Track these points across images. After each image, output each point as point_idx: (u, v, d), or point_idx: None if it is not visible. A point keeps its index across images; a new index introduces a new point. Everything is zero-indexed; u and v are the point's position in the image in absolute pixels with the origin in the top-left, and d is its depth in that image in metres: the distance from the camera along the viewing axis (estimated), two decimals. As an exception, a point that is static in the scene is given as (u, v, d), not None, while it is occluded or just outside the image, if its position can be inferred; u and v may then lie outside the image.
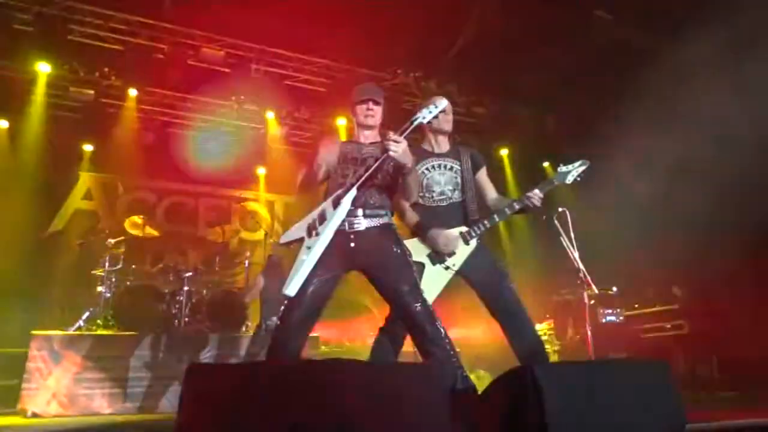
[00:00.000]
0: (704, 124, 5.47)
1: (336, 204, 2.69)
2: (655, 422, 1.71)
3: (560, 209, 3.94)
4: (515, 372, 1.70)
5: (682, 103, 5.80)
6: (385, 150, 2.56)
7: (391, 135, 2.57)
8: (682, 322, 5.59)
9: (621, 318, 6.47)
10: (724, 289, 5.57)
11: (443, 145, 3.29)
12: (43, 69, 6.21)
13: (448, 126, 3.26)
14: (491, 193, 3.34)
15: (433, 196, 3.18)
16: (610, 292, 6.67)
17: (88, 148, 7.39)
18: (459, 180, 3.22)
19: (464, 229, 3.10)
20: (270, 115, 7.29)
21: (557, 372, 1.72)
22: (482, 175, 3.36)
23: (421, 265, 3.05)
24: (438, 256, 3.05)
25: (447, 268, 3.04)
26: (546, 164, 8.21)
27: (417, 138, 3.40)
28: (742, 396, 4.52)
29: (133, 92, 6.74)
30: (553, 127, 7.08)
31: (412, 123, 2.67)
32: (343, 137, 3.15)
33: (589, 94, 6.03)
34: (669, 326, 5.68)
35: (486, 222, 3.11)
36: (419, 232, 3.08)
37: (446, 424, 1.58)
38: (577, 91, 6.00)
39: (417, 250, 3.07)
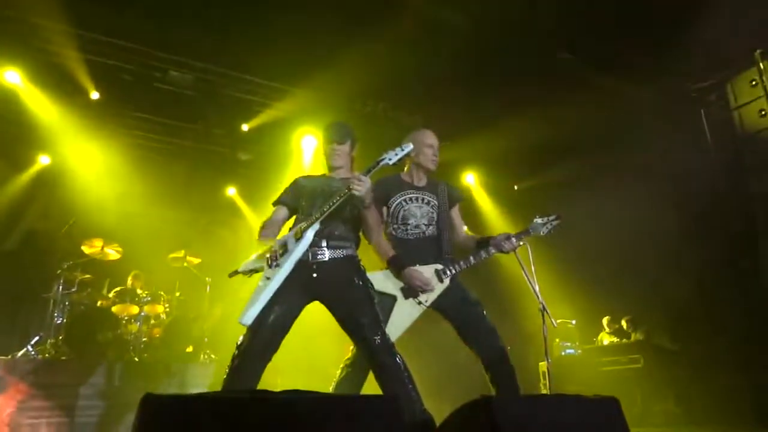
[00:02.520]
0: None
1: (298, 236, 2.71)
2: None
3: (521, 242, 4.03)
4: (472, 404, 1.71)
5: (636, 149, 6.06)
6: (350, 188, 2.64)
7: (357, 174, 2.66)
8: (639, 356, 5.70)
9: (579, 351, 6.58)
10: (679, 325, 5.74)
11: (423, 179, 3.38)
12: (11, 79, 6.09)
13: (433, 165, 3.37)
14: (461, 229, 3.45)
15: (407, 229, 3.23)
16: (569, 324, 6.79)
17: (44, 161, 7.19)
18: (435, 215, 3.28)
19: (439, 267, 3.15)
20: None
21: (512, 406, 1.74)
22: (455, 211, 3.46)
23: (393, 298, 3.08)
24: (411, 291, 3.08)
25: (419, 303, 3.07)
26: (516, 187, 8.37)
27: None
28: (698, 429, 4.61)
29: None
30: (519, 154, 7.26)
31: (377, 163, 2.74)
32: (317, 170, 3.26)
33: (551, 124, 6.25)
34: (625, 360, 5.78)
35: (462, 263, 3.18)
36: (394, 267, 3.11)
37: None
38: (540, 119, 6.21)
39: (389, 282, 3.10)
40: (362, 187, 2.62)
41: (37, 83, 6.23)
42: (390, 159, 2.73)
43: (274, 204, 3.07)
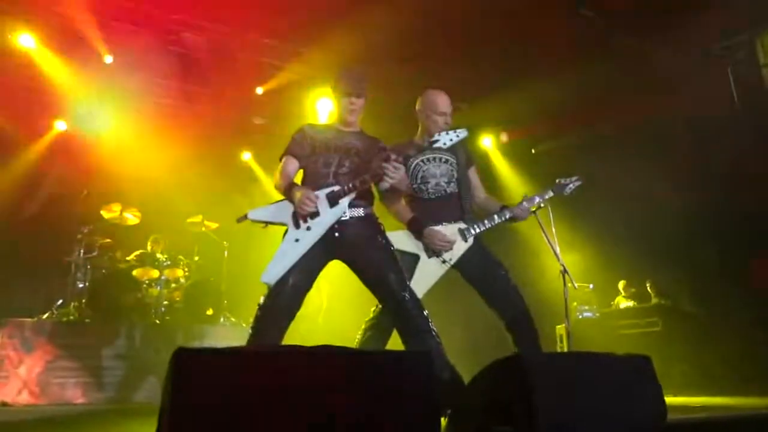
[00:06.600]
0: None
1: (333, 202, 2.68)
2: (638, 412, 1.74)
3: (542, 204, 3.99)
4: (503, 361, 1.71)
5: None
6: (380, 172, 2.66)
7: (393, 159, 2.63)
8: (657, 319, 5.68)
9: (597, 314, 6.58)
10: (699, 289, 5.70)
11: None
12: (25, 44, 6.03)
13: (447, 128, 3.30)
14: (480, 192, 3.40)
15: (428, 188, 3.19)
16: (587, 289, 6.77)
17: (60, 126, 7.17)
18: (455, 172, 3.24)
19: (463, 226, 3.13)
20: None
21: (545, 362, 1.74)
22: (473, 172, 3.41)
23: (415, 257, 3.06)
24: (434, 250, 3.06)
25: (444, 262, 3.05)
26: (533, 151, 8.25)
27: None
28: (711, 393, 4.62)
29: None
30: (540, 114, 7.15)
31: (431, 144, 2.76)
32: (331, 119, 3.15)
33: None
34: (644, 323, 5.77)
35: (486, 221, 3.16)
36: (414, 229, 3.08)
37: (433, 413, 1.58)
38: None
39: (411, 242, 3.08)
40: (397, 175, 2.63)
41: (51, 47, 6.18)
42: (444, 143, 2.74)
43: (285, 155, 2.91)
